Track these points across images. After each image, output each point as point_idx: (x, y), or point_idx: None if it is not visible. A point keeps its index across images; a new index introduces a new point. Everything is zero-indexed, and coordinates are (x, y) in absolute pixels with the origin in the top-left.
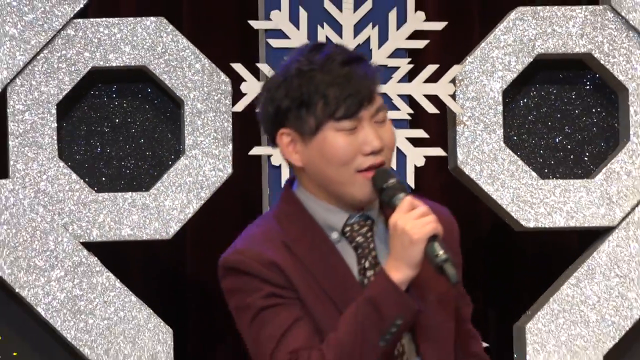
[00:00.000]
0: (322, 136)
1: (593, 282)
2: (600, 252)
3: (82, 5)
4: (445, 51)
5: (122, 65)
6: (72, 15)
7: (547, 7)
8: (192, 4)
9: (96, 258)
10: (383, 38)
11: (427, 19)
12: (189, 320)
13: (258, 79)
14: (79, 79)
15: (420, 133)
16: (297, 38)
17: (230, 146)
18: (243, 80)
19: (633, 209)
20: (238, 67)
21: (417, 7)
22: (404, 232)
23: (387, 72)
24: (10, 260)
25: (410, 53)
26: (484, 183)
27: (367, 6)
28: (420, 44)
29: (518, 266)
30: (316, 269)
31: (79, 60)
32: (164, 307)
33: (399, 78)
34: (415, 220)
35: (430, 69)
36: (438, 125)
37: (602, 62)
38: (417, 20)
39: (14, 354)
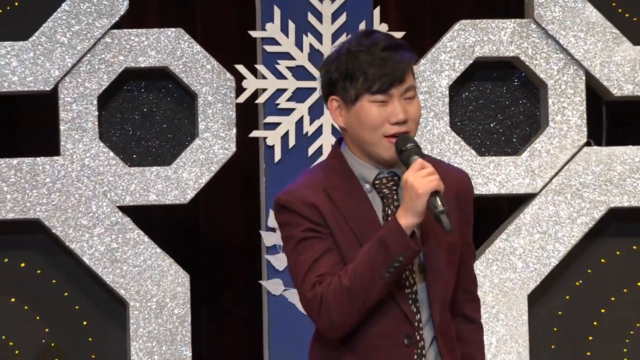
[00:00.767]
0: (360, 105)
1: (519, 237)
2: (525, 213)
3: (117, 19)
4: None
5: (148, 66)
6: (109, 27)
7: (484, 19)
8: (204, 18)
9: (129, 218)
10: None
11: (390, 29)
12: (201, 267)
13: (256, 76)
14: (114, 77)
15: None
16: (287, 44)
17: (234, 130)
18: (244, 78)
19: (551, 179)
20: (240, 68)
21: (382, 20)
22: (412, 187)
23: None
24: (62, 220)
25: None
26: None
27: (342, 19)
28: None
29: None
30: (348, 212)
31: (115, 62)
32: (182, 257)
33: None
34: (421, 178)
35: None
36: None
37: (527, 63)
38: (381, 30)
39: (65, 294)
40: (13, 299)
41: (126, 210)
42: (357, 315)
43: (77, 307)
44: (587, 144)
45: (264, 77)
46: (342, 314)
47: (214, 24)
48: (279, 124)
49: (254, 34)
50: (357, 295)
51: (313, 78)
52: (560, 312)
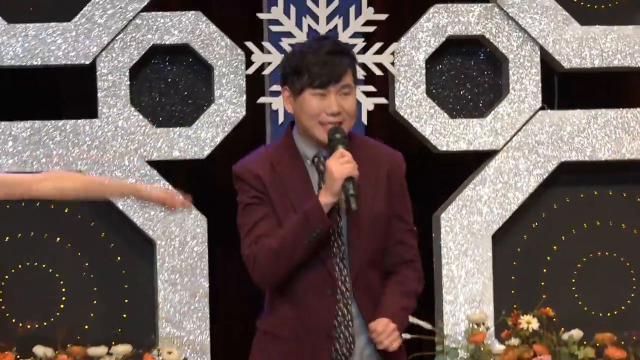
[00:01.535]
0: (303, 96)
1: (485, 186)
2: (489, 166)
3: (145, 3)
4: (387, 34)
5: (172, 43)
6: (139, 10)
7: (455, 4)
8: (218, 2)
9: (156, 171)
10: (346, 25)
11: (375, 12)
12: (217, 212)
13: (262, 52)
14: (143, 52)
15: (371, 88)
16: (288, 25)
17: (244, 97)
18: (252, 53)
19: (511, 138)
20: (249, 44)
21: (369, 4)
22: (330, 171)
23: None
24: (99, 172)
25: (364, 35)
26: (413, 121)
27: (335, 3)
28: (371, 29)
29: (435, 176)
30: (289, 183)
31: (144, 40)
32: (200, 203)
33: (357, 52)
34: (339, 165)
35: (377, 45)
36: (382, 82)
37: (491, 41)
38: (368, 13)
39: (102, 234)
40: (58, 239)
41: (153, 164)
42: (281, 273)
43: (111, 245)
44: (542, 108)
45: (269, 52)
46: (269, 271)
47: (227, 8)
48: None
49: (261, 15)
50: (282, 257)
51: None
52: (519, 249)
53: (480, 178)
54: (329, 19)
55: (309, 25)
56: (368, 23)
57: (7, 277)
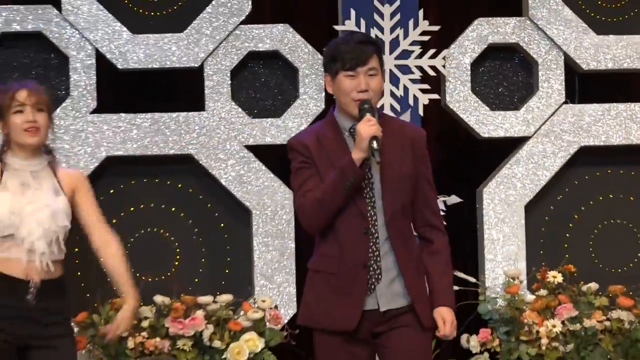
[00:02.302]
0: (338, 78)
1: (519, 166)
2: (522, 150)
3: (243, 17)
4: (439, 42)
5: (265, 50)
6: (238, 23)
7: (495, 17)
8: (302, 16)
9: (252, 154)
10: (406, 34)
11: (430, 24)
12: None
13: None
14: (242, 57)
15: (426, 86)
16: None
17: (323, 93)
18: None
19: (540, 127)
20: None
21: (425, 17)
22: (359, 132)
23: (407, 54)
24: (206, 155)
25: (421, 43)
26: (460, 113)
27: (397, 17)
28: (426, 38)
29: (479, 158)
30: (330, 149)
31: (242, 47)
32: (288, 180)
33: (414, 56)
34: (366, 127)
35: (431, 51)
36: (435, 81)
37: (524, 47)
38: (424, 25)
39: (209, 205)
40: (173, 209)
41: (250, 148)
42: (325, 218)
43: (216, 214)
44: (565, 102)
45: None
46: (315, 217)
47: (309, 21)
48: None
49: (336, 27)
50: (325, 204)
51: None
52: (546, 217)
53: (515, 159)
54: (392, 30)
55: (375, 35)
56: (424, 33)
57: (132, 240)
